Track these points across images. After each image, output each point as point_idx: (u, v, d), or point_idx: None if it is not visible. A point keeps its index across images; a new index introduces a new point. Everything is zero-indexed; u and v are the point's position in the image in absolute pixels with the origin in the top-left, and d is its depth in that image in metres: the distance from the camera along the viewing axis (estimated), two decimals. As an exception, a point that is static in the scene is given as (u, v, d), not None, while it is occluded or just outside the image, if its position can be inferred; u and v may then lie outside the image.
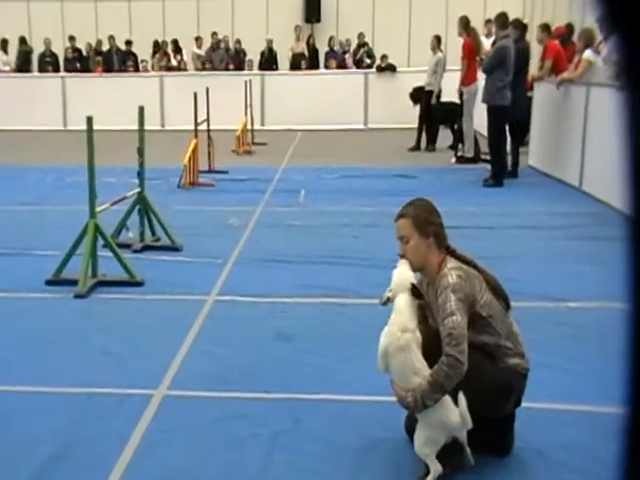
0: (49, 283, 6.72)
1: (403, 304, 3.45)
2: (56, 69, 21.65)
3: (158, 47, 21.89)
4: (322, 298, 6.31)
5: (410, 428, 3.78)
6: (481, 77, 12.70)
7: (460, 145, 14.11)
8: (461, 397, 3.36)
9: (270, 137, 17.66)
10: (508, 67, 11.48)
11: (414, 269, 3.57)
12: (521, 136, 13.77)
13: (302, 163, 13.88)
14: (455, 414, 3.39)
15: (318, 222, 9.13)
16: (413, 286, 3.49)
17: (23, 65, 21.80)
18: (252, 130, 17.04)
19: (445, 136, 15.55)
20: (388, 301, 3.49)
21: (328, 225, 8.99)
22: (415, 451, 3.50)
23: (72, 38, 21.83)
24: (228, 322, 5.79)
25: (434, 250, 3.58)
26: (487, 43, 14.74)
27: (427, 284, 3.64)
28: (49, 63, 21.59)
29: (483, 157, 13.34)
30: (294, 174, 12.62)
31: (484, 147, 13.04)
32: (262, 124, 19.60)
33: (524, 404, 3.74)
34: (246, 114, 16.57)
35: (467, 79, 13.63)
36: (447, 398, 3.40)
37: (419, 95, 16.02)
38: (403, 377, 3.43)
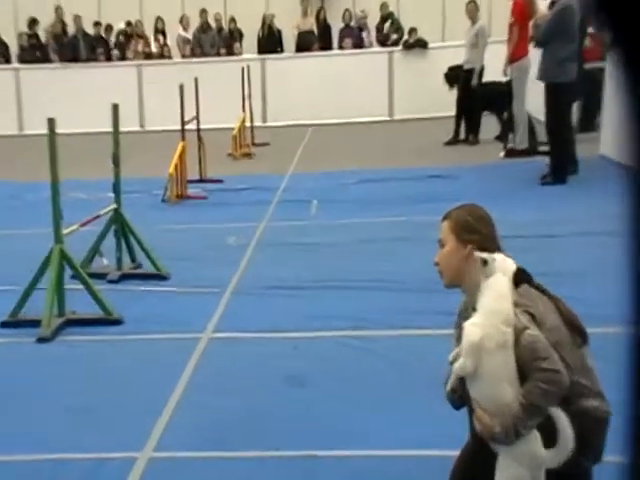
0: (5, 325, 6.73)
1: (506, 288, 3.33)
2: (7, 60, 21.62)
3: (130, 29, 21.86)
4: (342, 331, 6.33)
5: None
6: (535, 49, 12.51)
7: (510, 135, 14.02)
8: (558, 412, 3.27)
9: (274, 136, 17.67)
10: (572, 33, 11.32)
11: (446, 282, 3.63)
12: (588, 120, 13.59)
13: (314, 167, 13.86)
14: (541, 444, 3.29)
15: (335, 239, 9.13)
16: (518, 271, 3.40)
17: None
18: (252, 128, 17.07)
19: (491, 125, 15.44)
20: (485, 263, 3.36)
21: (347, 242, 8.99)
22: None
23: (34, 21, 21.58)
24: (228, 365, 5.80)
25: (474, 264, 3.50)
26: (543, 5, 14.53)
27: (473, 309, 3.52)
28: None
29: (540, 149, 13.24)
30: (304, 181, 12.62)
31: (542, 136, 12.94)
32: (264, 120, 19.70)
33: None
34: (244, 109, 16.61)
35: (517, 51, 13.46)
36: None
37: (457, 75, 15.97)
38: (495, 386, 3.29)
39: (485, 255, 3.37)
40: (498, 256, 3.42)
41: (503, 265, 3.38)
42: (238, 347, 6.15)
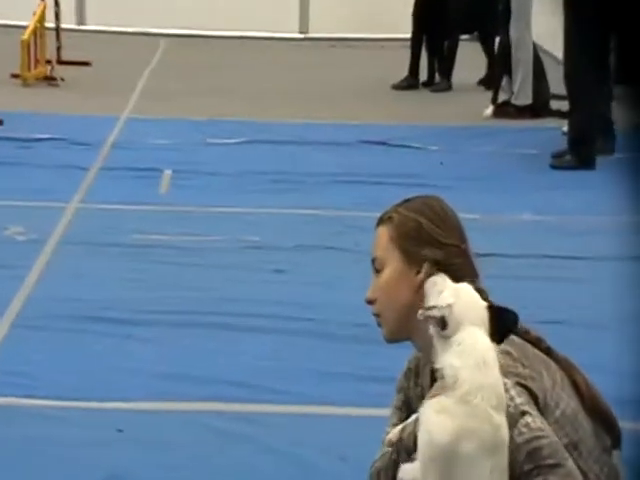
0: None
1: (488, 347, 3.03)
2: None
3: None
4: (202, 402, 5.64)
5: None
6: None
7: (505, 79, 13.02)
8: None
9: (98, 50, 16.29)
10: None
11: (387, 333, 3.39)
12: (633, 64, 12.76)
13: (167, 109, 12.66)
14: None
15: (200, 240, 8.23)
16: (493, 315, 3.07)
17: None
18: (58, 32, 15.39)
19: (473, 59, 14.67)
20: (444, 324, 3.01)
21: (220, 246, 8.10)
22: None
23: None
24: (13, 456, 4.90)
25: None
26: None
27: (431, 370, 3.29)
28: None
29: (554, 107, 12.43)
30: (150, 133, 11.47)
31: (558, 84, 12.01)
32: (80, 21, 18.61)
33: None
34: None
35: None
36: None
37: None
38: None
39: (442, 308, 3.05)
40: (458, 292, 3.14)
41: (470, 305, 3.11)
42: (27, 426, 5.27)
